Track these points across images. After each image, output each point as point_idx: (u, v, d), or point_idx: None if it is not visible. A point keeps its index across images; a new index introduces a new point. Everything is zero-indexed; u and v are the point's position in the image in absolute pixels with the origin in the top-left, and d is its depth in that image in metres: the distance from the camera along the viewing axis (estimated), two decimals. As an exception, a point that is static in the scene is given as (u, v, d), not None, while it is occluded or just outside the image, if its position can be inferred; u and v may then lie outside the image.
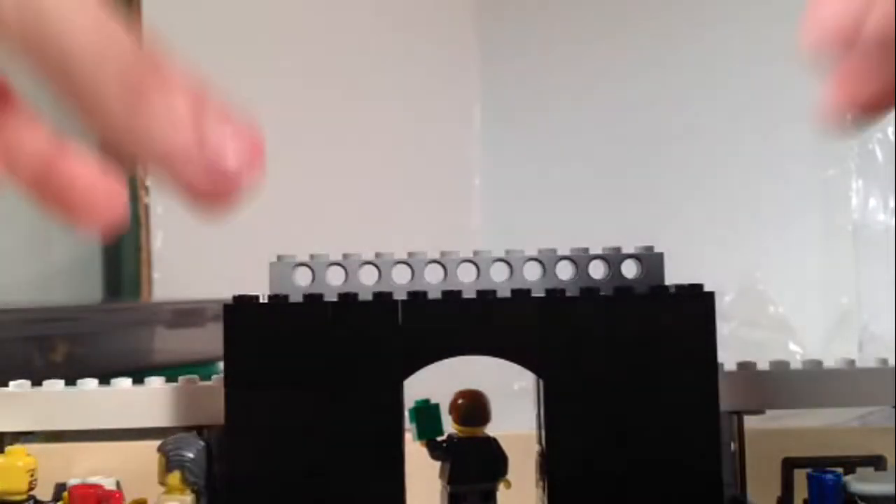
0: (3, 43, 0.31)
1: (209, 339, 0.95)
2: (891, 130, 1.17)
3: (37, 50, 0.30)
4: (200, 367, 0.89)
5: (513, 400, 0.54)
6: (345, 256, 0.45)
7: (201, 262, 1.18)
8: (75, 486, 0.45)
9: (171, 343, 0.99)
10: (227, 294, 0.51)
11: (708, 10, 1.23)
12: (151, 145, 0.32)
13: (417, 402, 0.48)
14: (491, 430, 0.48)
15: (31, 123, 0.36)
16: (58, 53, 0.30)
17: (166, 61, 0.32)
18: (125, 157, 0.33)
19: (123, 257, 1.23)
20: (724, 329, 0.44)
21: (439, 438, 0.48)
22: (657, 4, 1.25)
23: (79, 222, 0.36)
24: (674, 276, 0.46)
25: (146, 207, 1.19)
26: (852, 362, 0.47)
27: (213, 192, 0.33)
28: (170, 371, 0.50)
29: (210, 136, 0.32)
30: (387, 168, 1.24)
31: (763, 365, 0.47)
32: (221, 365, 0.85)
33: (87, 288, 1.24)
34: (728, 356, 0.45)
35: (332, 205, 1.21)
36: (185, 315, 1.01)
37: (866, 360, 0.47)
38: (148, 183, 1.16)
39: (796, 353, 1.11)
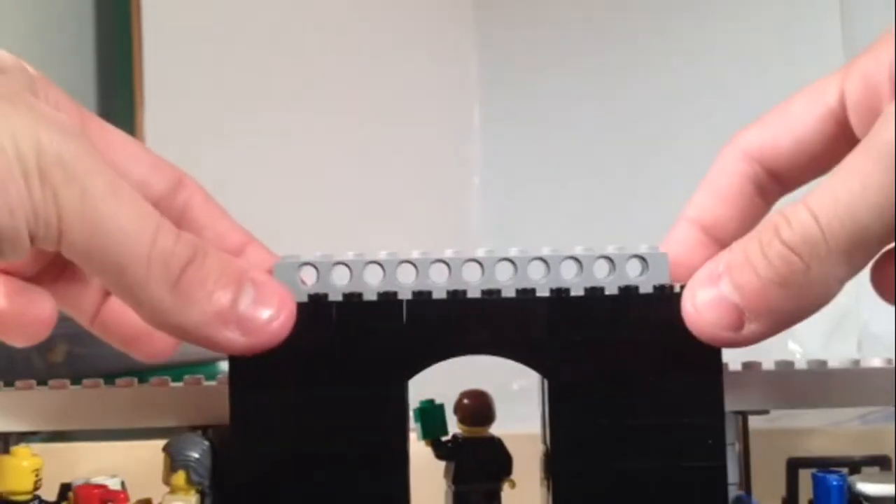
0: (70, 257, 0.38)
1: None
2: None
3: (97, 261, 0.37)
4: (201, 366, 0.89)
5: (513, 399, 0.54)
6: (349, 256, 0.45)
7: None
8: (80, 486, 0.45)
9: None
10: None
11: (710, 9, 1.23)
12: (191, 323, 0.39)
13: (422, 402, 0.48)
14: (493, 429, 0.48)
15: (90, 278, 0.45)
16: (114, 263, 0.37)
17: (199, 245, 0.39)
18: (164, 329, 0.39)
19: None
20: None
21: (444, 438, 0.48)
22: (658, 3, 1.25)
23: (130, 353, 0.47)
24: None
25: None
26: (857, 362, 0.47)
27: (249, 348, 0.40)
28: (170, 371, 0.50)
29: (243, 304, 0.40)
30: (385, 166, 1.24)
31: (767, 365, 0.47)
32: (222, 365, 0.85)
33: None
34: (731, 356, 0.45)
35: (330, 204, 1.21)
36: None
37: (869, 360, 0.47)
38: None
39: (796, 353, 1.11)
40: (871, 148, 0.38)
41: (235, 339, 0.40)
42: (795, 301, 0.39)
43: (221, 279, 0.39)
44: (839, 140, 0.44)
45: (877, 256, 0.42)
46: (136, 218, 0.37)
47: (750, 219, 0.47)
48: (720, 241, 0.45)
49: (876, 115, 0.41)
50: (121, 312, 0.47)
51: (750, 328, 0.40)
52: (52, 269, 0.46)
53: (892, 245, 0.41)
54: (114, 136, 0.46)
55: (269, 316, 0.40)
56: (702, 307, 0.41)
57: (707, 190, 0.47)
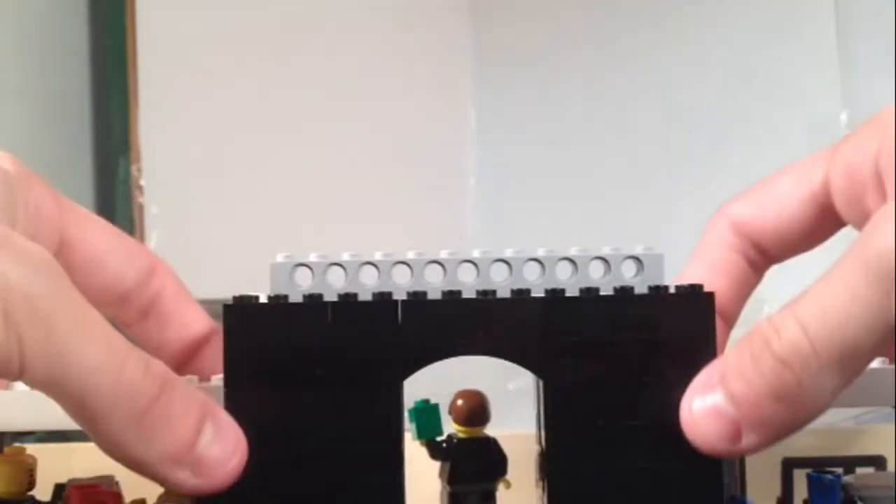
0: (32, 386, 0.37)
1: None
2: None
3: (60, 394, 0.37)
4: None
5: (507, 400, 0.54)
6: (345, 257, 0.45)
7: (196, 262, 1.18)
8: (74, 486, 0.45)
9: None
10: (221, 295, 0.51)
11: (708, 8, 1.23)
12: (147, 460, 0.38)
13: (417, 403, 0.48)
14: (488, 430, 0.48)
15: None
16: (78, 398, 0.37)
17: (167, 378, 0.39)
18: (122, 461, 0.39)
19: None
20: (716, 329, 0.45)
21: (439, 438, 0.48)
22: (655, 6, 1.25)
23: None
24: (668, 276, 0.46)
25: (140, 208, 1.18)
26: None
27: (197, 489, 0.40)
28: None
29: (201, 445, 0.39)
30: (381, 168, 1.24)
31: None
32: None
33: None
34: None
35: (326, 205, 1.21)
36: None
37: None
38: (142, 182, 1.16)
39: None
40: (859, 259, 0.38)
41: (187, 479, 0.39)
42: (790, 414, 0.39)
43: (185, 415, 0.39)
44: (824, 221, 0.44)
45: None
46: (104, 353, 0.37)
47: (742, 288, 0.48)
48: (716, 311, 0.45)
49: (861, 206, 0.41)
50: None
51: (748, 440, 0.40)
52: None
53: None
54: (91, 227, 0.47)
55: (224, 457, 0.40)
56: (699, 418, 0.41)
57: (699, 260, 0.48)
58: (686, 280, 0.45)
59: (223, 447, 0.40)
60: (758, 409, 0.39)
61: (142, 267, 0.48)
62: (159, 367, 0.39)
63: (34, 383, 0.37)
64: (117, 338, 0.38)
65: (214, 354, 0.46)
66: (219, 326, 0.47)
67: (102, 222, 0.48)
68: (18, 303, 0.35)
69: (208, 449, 0.40)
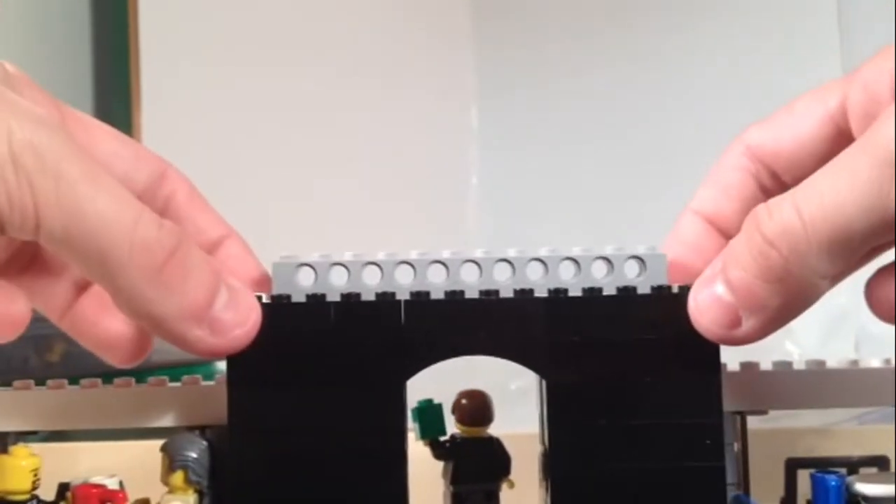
0: (49, 246, 0.37)
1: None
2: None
3: (78, 248, 0.37)
4: (196, 367, 0.89)
5: (510, 400, 0.54)
6: (348, 257, 0.45)
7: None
8: (78, 486, 0.45)
9: (167, 343, 0.98)
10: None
11: (709, 12, 1.23)
12: (167, 315, 0.38)
13: (420, 402, 0.48)
14: (491, 430, 0.48)
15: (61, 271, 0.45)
16: (95, 250, 0.37)
17: (182, 236, 0.39)
18: (138, 318, 0.39)
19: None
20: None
21: (442, 438, 0.48)
22: (657, 6, 1.25)
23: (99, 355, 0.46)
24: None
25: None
26: (855, 362, 0.47)
27: (212, 351, 0.40)
28: (166, 371, 0.50)
29: (217, 307, 0.39)
30: (383, 168, 1.24)
31: (766, 365, 0.47)
32: (218, 365, 0.85)
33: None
34: (728, 356, 0.45)
35: (328, 205, 1.20)
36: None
37: (868, 360, 0.47)
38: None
39: (793, 353, 1.11)
40: (865, 146, 0.38)
41: (204, 338, 0.40)
42: (780, 297, 0.39)
43: (201, 274, 0.39)
44: (839, 144, 0.44)
45: (872, 273, 0.42)
46: (116, 203, 0.37)
47: None
48: (725, 233, 0.46)
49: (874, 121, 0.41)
50: (94, 314, 0.46)
51: (746, 325, 0.40)
52: (18, 260, 0.45)
53: (890, 262, 0.41)
54: (95, 130, 0.46)
55: (239, 322, 0.40)
56: (702, 306, 0.42)
57: (711, 183, 0.47)
58: (697, 203, 0.45)
59: (238, 310, 0.40)
60: (751, 293, 0.39)
61: (152, 171, 0.47)
62: (173, 224, 0.39)
63: (50, 239, 0.37)
64: (127, 192, 0.38)
65: (230, 259, 0.45)
66: (234, 231, 0.47)
67: (107, 127, 0.47)
68: (26, 152, 0.35)
69: (224, 311, 0.40)
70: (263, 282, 0.45)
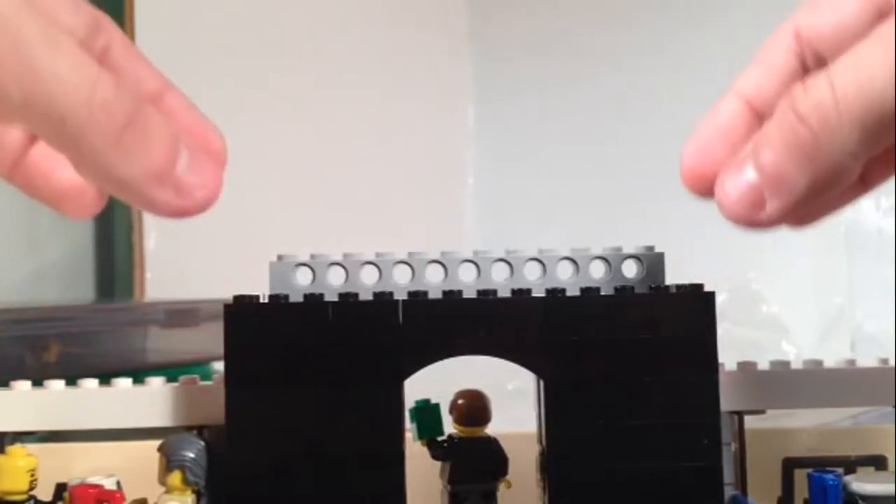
0: (7, 110, 0.36)
1: (202, 340, 0.95)
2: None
3: (37, 112, 0.36)
4: (194, 367, 0.89)
5: (507, 400, 0.54)
6: (345, 256, 0.45)
7: (194, 262, 1.18)
8: (76, 486, 0.45)
9: (164, 343, 0.98)
10: (219, 294, 0.51)
11: (709, 7, 1.23)
12: (131, 177, 0.38)
13: (418, 402, 0.48)
14: (489, 429, 0.48)
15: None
16: (55, 113, 0.36)
17: (140, 98, 0.38)
18: (102, 182, 0.39)
19: (116, 257, 1.23)
20: (717, 329, 0.45)
21: (440, 438, 0.48)
22: (654, 5, 1.25)
23: (54, 210, 0.44)
24: (670, 276, 0.46)
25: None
26: (852, 362, 0.47)
27: (179, 212, 0.39)
28: (163, 371, 0.50)
29: (180, 167, 0.39)
30: (380, 167, 1.24)
31: (763, 365, 0.47)
32: (215, 365, 0.84)
33: (79, 288, 1.23)
34: (723, 356, 0.45)
35: (325, 204, 1.21)
36: (179, 315, 1.01)
37: (864, 360, 0.47)
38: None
39: (790, 353, 1.11)
40: None
41: (170, 200, 0.39)
42: (808, 176, 0.38)
43: (161, 135, 0.39)
44: None
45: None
46: (75, 67, 0.37)
47: None
48: (762, 115, 0.44)
49: None
50: (46, 166, 0.44)
51: (770, 206, 0.39)
52: None
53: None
54: None
55: (202, 183, 0.40)
56: (728, 187, 0.40)
57: (759, 63, 0.46)
58: (740, 83, 0.44)
59: (200, 171, 0.40)
60: (778, 173, 0.39)
61: (89, 21, 0.44)
62: (130, 88, 0.38)
63: (8, 102, 0.36)
64: (85, 55, 0.37)
65: (176, 111, 0.44)
66: (173, 83, 0.46)
67: None
68: None
69: (187, 172, 0.39)
70: (213, 135, 0.45)
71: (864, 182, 0.44)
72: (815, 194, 0.39)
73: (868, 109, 0.37)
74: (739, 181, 0.40)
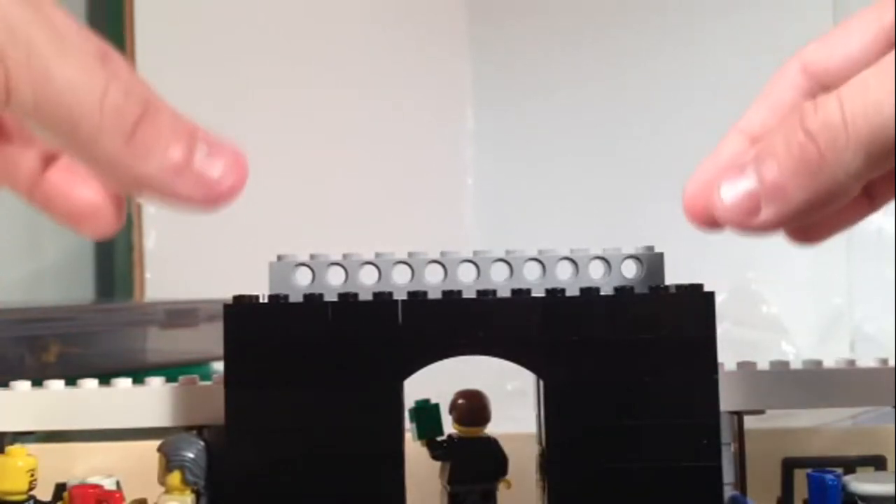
0: (20, 117, 0.37)
1: (202, 340, 0.95)
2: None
3: (48, 117, 0.37)
4: (193, 367, 0.89)
5: (507, 400, 0.54)
6: (345, 256, 0.45)
7: (194, 262, 1.18)
8: (75, 486, 0.45)
9: (164, 343, 0.99)
10: (219, 294, 0.51)
11: (707, 8, 1.23)
12: (149, 176, 0.38)
13: (417, 402, 0.48)
14: (489, 429, 0.48)
15: (27, 142, 0.43)
16: (66, 117, 0.37)
17: (150, 98, 0.39)
18: (123, 184, 0.39)
19: (115, 257, 1.23)
20: (717, 329, 0.45)
21: (439, 438, 0.48)
22: (652, 6, 1.25)
23: (73, 229, 0.43)
24: (669, 276, 0.46)
25: (139, 207, 1.18)
26: (852, 362, 0.47)
27: (206, 203, 0.39)
28: (162, 371, 0.50)
29: (198, 160, 0.39)
30: (380, 167, 1.24)
31: (763, 365, 0.47)
32: (214, 365, 0.84)
33: (78, 288, 1.23)
34: (722, 356, 0.45)
35: (325, 205, 1.21)
36: (178, 315, 1.01)
37: (864, 360, 0.47)
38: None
39: (789, 353, 1.11)
40: None
41: (193, 192, 0.39)
42: (808, 192, 0.39)
43: (175, 133, 0.39)
44: None
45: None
46: (84, 71, 0.37)
47: None
48: None
49: None
50: (65, 186, 0.45)
51: (765, 213, 0.40)
52: None
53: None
54: None
55: (223, 171, 0.40)
56: (725, 191, 0.41)
57: (764, 100, 0.47)
58: (744, 122, 0.45)
59: (220, 161, 0.40)
60: (779, 185, 0.39)
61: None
62: (140, 90, 0.39)
63: (21, 108, 0.37)
64: (93, 60, 0.38)
65: None
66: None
67: None
68: None
69: (206, 163, 0.39)
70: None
71: (872, 200, 0.44)
72: (812, 209, 0.39)
73: (875, 135, 0.37)
74: (737, 186, 0.40)
